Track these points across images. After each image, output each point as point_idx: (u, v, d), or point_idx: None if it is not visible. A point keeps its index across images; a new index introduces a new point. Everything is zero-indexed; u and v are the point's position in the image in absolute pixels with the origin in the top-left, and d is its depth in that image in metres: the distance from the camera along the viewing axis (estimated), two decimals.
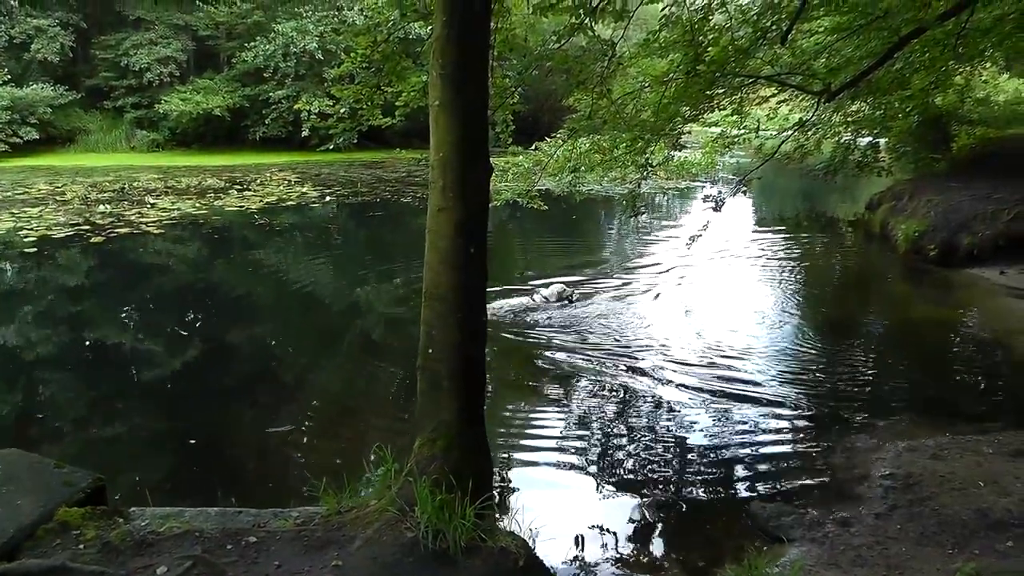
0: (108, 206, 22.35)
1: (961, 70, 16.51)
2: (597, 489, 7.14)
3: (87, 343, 11.67)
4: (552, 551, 5.91)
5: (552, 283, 13.34)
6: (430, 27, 5.43)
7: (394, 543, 4.80)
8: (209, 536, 4.90)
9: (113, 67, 38.32)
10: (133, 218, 20.77)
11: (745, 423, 8.51)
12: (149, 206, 22.71)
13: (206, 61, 41.27)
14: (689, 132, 13.09)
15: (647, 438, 8.15)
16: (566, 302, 12.86)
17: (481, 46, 5.02)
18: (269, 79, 37.35)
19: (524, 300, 12.92)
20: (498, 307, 12.35)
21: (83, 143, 38.12)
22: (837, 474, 7.31)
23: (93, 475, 5.46)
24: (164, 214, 21.58)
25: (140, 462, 7.91)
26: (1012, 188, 15.65)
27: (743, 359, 10.52)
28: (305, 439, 8.23)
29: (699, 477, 7.40)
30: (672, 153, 12.90)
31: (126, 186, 26.39)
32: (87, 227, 19.34)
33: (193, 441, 8.25)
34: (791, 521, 6.38)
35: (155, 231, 19.43)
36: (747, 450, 7.89)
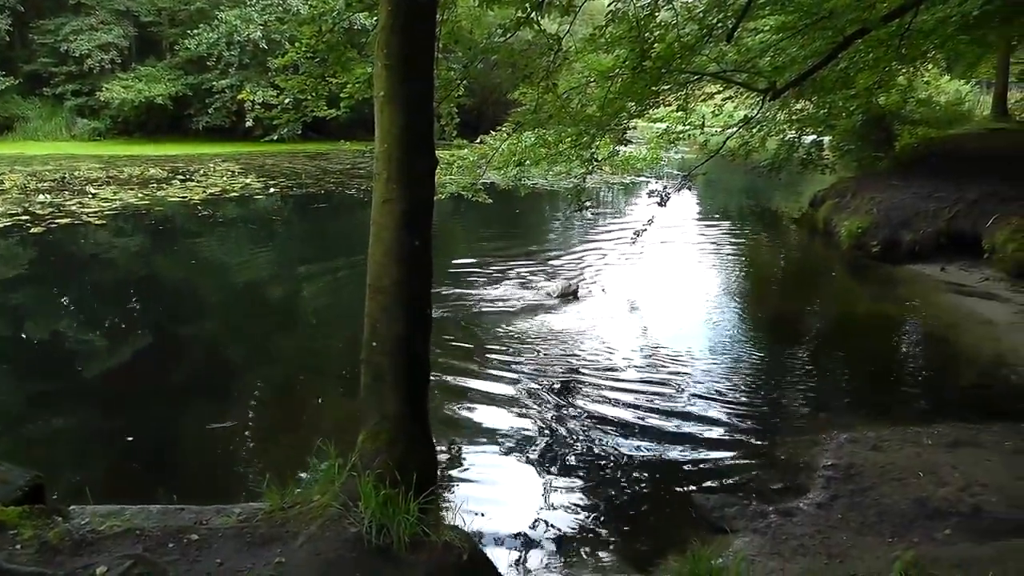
0: (48, 196, 21.88)
1: (904, 71, 16.76)
2: (542, 482, 7.14)
3: (25, 337, 11.43)
4: (497, 544, 5.92)
5: (559, 279, 13.42)
6: (375, 18, 5.38)
7: (338, 539, 4.76)
8: (150, 534, 4.81)
9: (52, 53, 37.44)
10: (74, 208, 20.38)
11: (689, 417, 8.57)
12: (90, 196, 22.29)
13: (148, 48, 40.50)
14: (634, 127, 13.13)
15: (591, 431, 8.17)
16: (571, 298, 12.83)
17: (426, 38, 4.99)
18: (213, 68, 36.79)
19: (527, 293, 12.99)
20: (494, 298, 12.39)
21: (22, 131, 37.27)
22: (780, 466, 7.41)
23: (31, 473, 5.34)
24: (106, 204, 21.19)
25: (80, 460, 7.77)
26: (953, 187, 15.93)
27: (687, 354, 10.60)
28: (248, 435, 8.14)
29: (643, 470, 7.43)
30: (617, 148, 12.94)
31: (67, 175, 25.82)
32: (26, 217, 18.93)
33: (135, 438, 8.09)
34: (734, 512, 6.45)
35: (96, 222, 19.08)
36: (691, 443, 7.95)
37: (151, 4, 38.27)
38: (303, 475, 5.61)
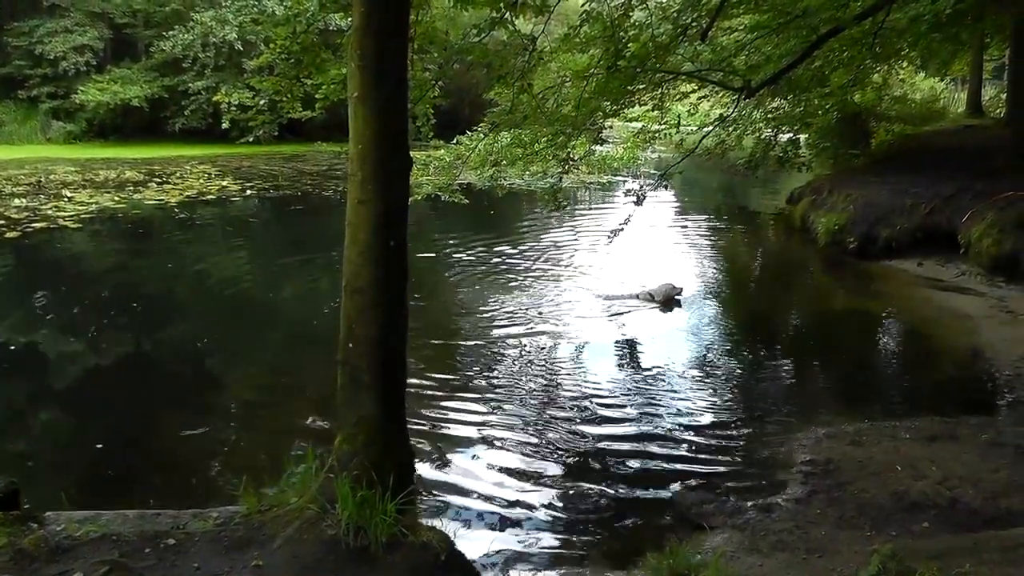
0: (23, 200, 21.67)
1: (878, 69, 16.94)
2: (520, 482, 7.13)
3: None
4: (474, 544, 5.91)
5: (661, 282, 12.91)
6: (350, 19, 5.37)
7: (315, 541, 4.76)
8: (127, 540, 4.78)
9: (27, 55, 37.09)
10: (50, 212, 20.18)
11: (666, 414, 8.60)
12: (66, 200, 22.08)
13: (124, 50, 40.20)
14: (610, 127, 13.13)
15: (569, 429, 8.17)
16: (674, 301, 12.49)
17: (400, 38, 4.99)
18: (188, 69, 36.55)
19: (628, 297, 12.79)
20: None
21: None
22: (758, 462, 7.45)
23: (6, 479, 5.29)
24: (82, 208, 21.00)
25: (56, 466, 7.70)
26: (929, 183, 16.04)
27: (664, 351, 10.62)
28: (226, 438, 8.10)
29: (622, 468, 7.44)
30: (593, 148, 12.94)
31: (42, 179, 25.59)
32: (1, 222, 18.75)
33: (111, 444, 8.04)
34: (712, 508, 6.49)
35: (73, 226, 18.90)
36: (669, 440, 7.97)
37: (126, 6, 37.97)
38: (280, 478, 5.58)
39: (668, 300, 12.47)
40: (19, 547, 4.59)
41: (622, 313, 12.20)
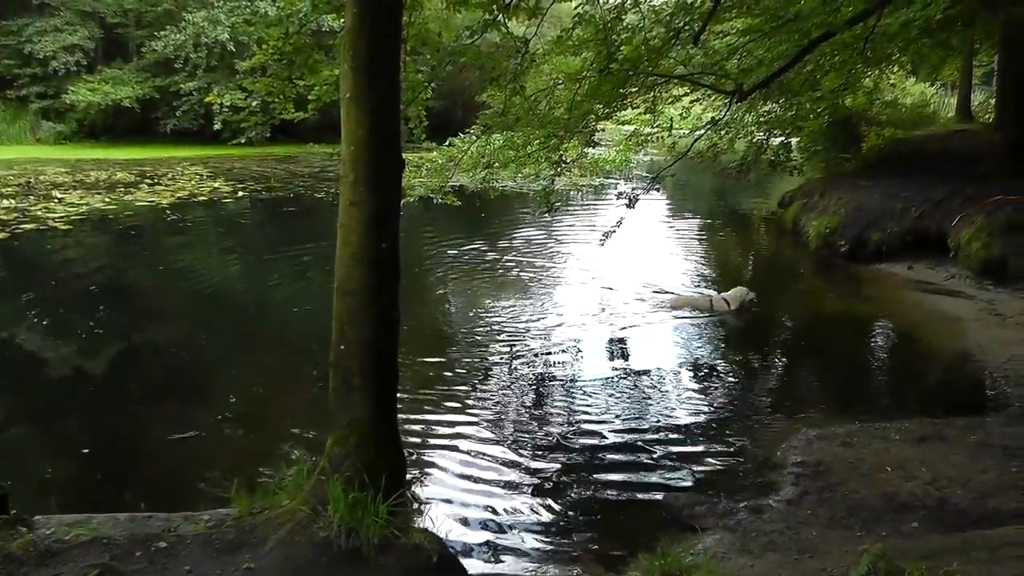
0: (13, 201, 21.56)
1: (870, 73, 17.00)
2: (511, 484, 7.14)
3: None
4: (466, 546, 5.92)
5: (734, 289, 12.70)
6: (342, 19, 5.37)
7: (307, 543, 4.75)
8: (117, 543, 4.75)
9: (15, 54, 36.90)
10: (39, 213, 20.08)
11: (658, 417, 8.61)
12: (56, 201, 22.00)
13: (115, 50, 40.06)
14: (603, 130, 13.15)
15: (561, 432, 8.18)
16: (748, 307, 12.32)
17: (393, 40, 4.98)
18: (180, 70, 36.42)
19: (701, 304, 12.63)
20: (659, 308, 12.47)
21: None
22: (749, 463, 7.48)
23: None
24: (72, 209, 20.92)
25: (46, 470, 7.65)
26: (919, 187, 16.10)
27: (657, 352, 10.64)
28: (217, 441, 8.08)
29: (613, 471, 7.45)
30: (586, 150, 12.94)
31: (32, 180, 25.46)
32: None
33: (101, 446, 8.03)
34: (704, 510, 6.50)
35: (62, 227, 18.82)
36: (660, 443, 7.97)
37: (117, 5, 37.82)
38: (272, 480, 5.56)
39: (740, 304, 12.31)
40: (8, 551, 4.55)
41: (684, 319, 12.18)
